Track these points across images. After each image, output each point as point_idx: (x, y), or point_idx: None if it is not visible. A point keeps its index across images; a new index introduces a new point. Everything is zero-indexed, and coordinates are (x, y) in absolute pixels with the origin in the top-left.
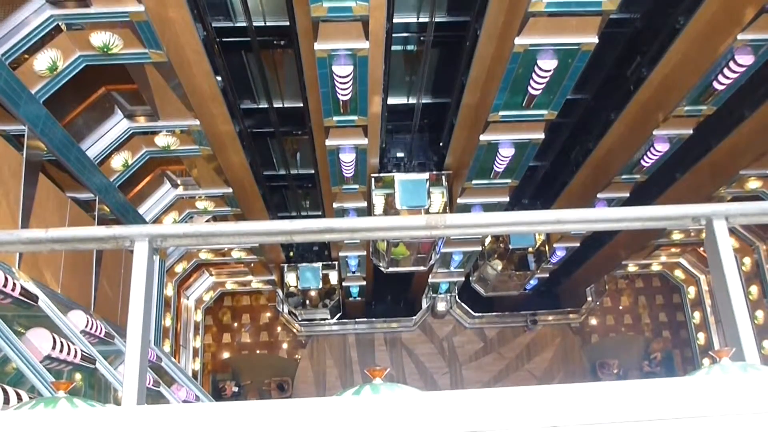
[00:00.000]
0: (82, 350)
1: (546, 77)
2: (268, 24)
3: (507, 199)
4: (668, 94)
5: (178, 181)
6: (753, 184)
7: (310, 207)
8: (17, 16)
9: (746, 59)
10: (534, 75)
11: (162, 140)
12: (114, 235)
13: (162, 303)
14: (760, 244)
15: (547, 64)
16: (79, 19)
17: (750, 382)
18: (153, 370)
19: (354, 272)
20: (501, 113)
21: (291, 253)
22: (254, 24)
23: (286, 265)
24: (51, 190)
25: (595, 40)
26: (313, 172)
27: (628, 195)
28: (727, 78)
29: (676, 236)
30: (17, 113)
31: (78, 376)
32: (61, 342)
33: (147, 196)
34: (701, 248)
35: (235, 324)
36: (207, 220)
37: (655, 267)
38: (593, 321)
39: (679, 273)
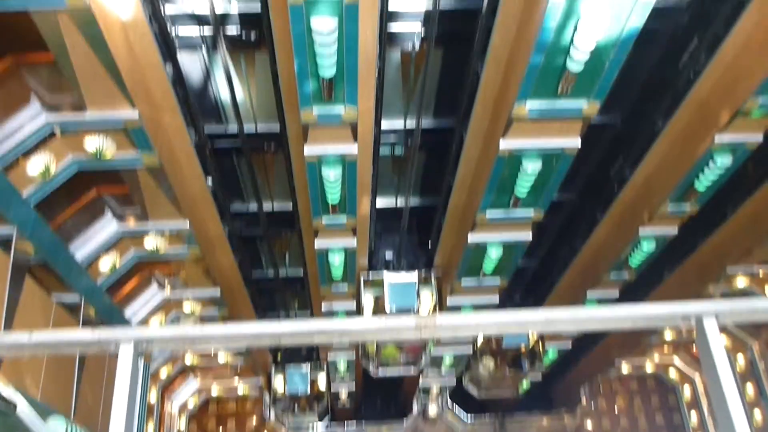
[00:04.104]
0: None
1: (531, 179)
2: (259, 132)
3: (497, 299)
4: (651, 194)
5: (166, 282)
6: (741, 282)
7: (299, 307)
8: (13, 121)
9: (725, 160)
10: (520, 176)
11: (151, 242)
12: (99, 339)
13: (145, 409)
14: (753, 342)
15: (532, 166)
16: (74, 126)
17: None
18: None
19: (343, 378)
20: (488, 214)
21: (279, 355)
22: (246, 131)
23: (273, 368)
24: (36, 294)
25: (578, 144)
26: (302, 274)
27: (617, 295)
28: (708, 179)
29: (668, 334)
30: (7, 216)
31: None
32: None
33: (134, 298)
34: (694, 346)
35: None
36: (194, 322)
37: (649, 368)
38: (589, 424)
39: (673, 373)
